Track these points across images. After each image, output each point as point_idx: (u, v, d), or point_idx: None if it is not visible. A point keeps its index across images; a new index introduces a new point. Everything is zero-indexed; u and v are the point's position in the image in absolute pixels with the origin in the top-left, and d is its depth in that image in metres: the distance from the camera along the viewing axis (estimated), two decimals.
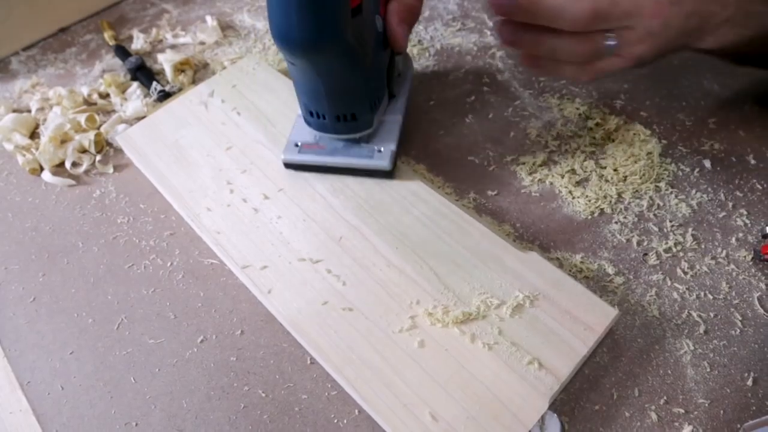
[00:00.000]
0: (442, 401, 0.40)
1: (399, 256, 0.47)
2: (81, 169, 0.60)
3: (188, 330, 0.48)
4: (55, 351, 0.48)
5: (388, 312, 0.44)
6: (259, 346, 0.46)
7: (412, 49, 0.69)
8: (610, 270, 0.49)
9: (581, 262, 0.50)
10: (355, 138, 0.52)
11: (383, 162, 0.51)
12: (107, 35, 0.73)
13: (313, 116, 0.50)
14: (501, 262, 0.47)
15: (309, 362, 0.45)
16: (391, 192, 0.51)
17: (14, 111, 0.66)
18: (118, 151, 0.62)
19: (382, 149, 0.52)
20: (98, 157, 0.61)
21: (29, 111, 0.66)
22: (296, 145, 0.53)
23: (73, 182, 0.60)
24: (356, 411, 0.43)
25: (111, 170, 0.60)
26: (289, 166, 0.54)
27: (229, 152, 0.56)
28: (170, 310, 0.49)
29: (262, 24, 0.76)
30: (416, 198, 0.51)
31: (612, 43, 0.45)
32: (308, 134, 0.53)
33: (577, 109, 0.61)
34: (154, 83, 0.65)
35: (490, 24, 0.71)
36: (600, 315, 0.43)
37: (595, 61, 0.47)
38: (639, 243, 0.51)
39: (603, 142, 0.57)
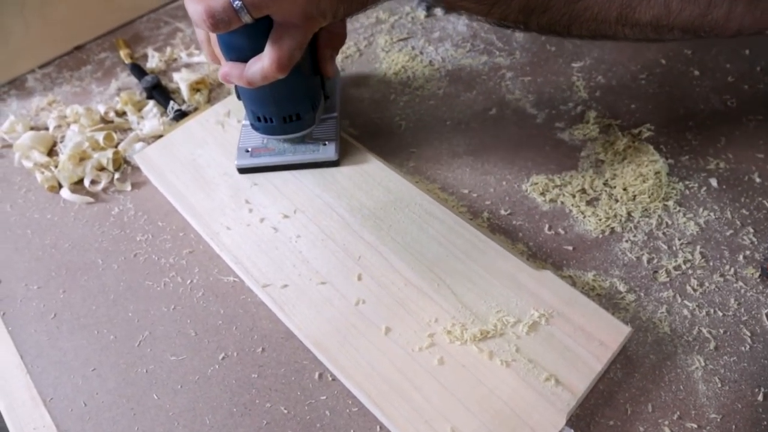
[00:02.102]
0: (462, 417, 0.41)
1: (417, 275, 0.48)
2: (99, 187, 0.61)
3: (209, 347, 0.49)
4: (77, 368, 0.49)
5: (407, 330, 0.45)
6: (280, 363, 0.47)
7: (423, 70, 0.70)
8: (622, 287, 0.50)
9: (593, 280, 0.51)
10: (300, 136, 0.56)
11: (330, 154, 0.57)
12: (123, 53, 0.74)
13: (261, 121, 0.54)
14: (516, 280, 0.48)
15: (331, 379, 0.46)
16: (407, 212, 0.53)
17: (32, 128, 0.67)
18: (136, 168, 0.63)
19: (326, 143, 0.57)
20: (116, 175, 0.62)
21: (47, 128, 0.67)
22: (247, 151, 0.57)
23: (91, 200, 0.60)
24: (377, 427, 0.43)
25: (129, 188, 0.61)
26: (243, 170, 0.58)
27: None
28: (191, 328, 0.50)
29: None
30: (432, 217, 0.52)
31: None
32: (256, 139, 0.58)
33: (586, 126, 0.62)
34: (171, 102, 0.66)
35: (499, 45, 0.73)
36: (613, 332, 0.45)
37: (233, 23, 0.42)
38: (649, 261, 0.52)
39: (612, 161, 0.59)
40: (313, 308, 0.47)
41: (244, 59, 0.46)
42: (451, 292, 0.47)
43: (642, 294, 0.50)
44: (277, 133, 0.55)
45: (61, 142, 0.65)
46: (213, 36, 0.49)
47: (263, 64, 0.44)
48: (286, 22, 0.43)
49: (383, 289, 0.48)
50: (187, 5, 0.42)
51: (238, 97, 0.55)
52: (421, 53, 0.73)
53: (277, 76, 0.45)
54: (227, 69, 0.47)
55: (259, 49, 0.45)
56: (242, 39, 0.45)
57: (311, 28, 0.44)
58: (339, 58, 0.73)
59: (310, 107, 0.54)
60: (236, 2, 0.40)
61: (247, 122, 0.57)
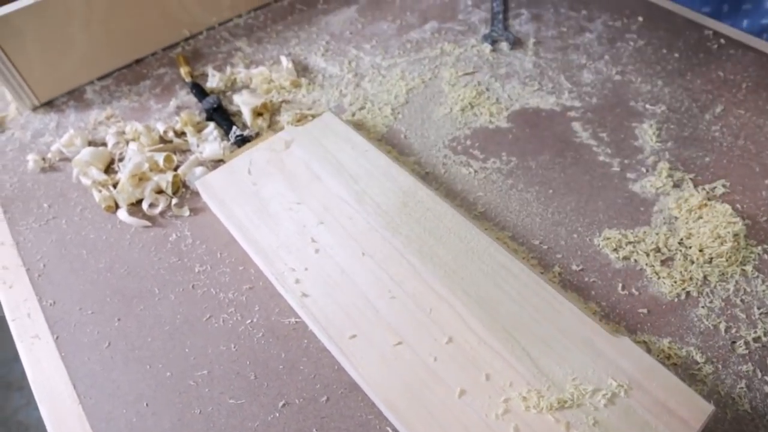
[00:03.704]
0: None
1: (490, 333, 0.46)
2: (157, 210, 0.60)
3: (269, 392, 0.47)
4: (131, 402, 0.48)
5: (482, 393, 0.44)
6: (343, 416, 0.46)
7: (490, 108, 0.68)
8: (699, 357, 0.48)
9: (669, 348, 0.49)
10: None
11: None
12: (183, 71, 0.73)
13: None
14: (593, 345, 0.46)
15: None
16: (480, 263, 0.51)
17: (90, 143, 0.66)
18: (194, 194, 0.61)
19: None
20: (173, 200, 0.61)
21: (104, 144, 0.66)
22: None
23: (148, 223, 0.59)
24: None
25: (187, 213, 0.60)
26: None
27: (311, 207, 0.56)
28: (251, 370, 0.49)
29: (337, 68, 0.76)
30: (505, 271, 0.50)
31: None
32: None
33: (659, 179, 0.60)
34: (234, 128, 0.65)
35: (568, 86, 0.71)
36: (695, 410, 0.42)
37: None
38: (727, 330, 0.50)
39: (687, 219, 0.56)
40: (383, 363, 0.45)
41: None
42: (527, 354, 0.45)
43: (720, 366, 0.48)
44: None
45: (120, 160, 0.64)
46: None
47: None
48: None
49: (456, 347, 0.46)
50: None
51: None
52: (488, 90, 0.71)
53: None
54: None
55: None
56: None
57: None
58: (403, 89, 0.71)
59: None
60: None
61: None
